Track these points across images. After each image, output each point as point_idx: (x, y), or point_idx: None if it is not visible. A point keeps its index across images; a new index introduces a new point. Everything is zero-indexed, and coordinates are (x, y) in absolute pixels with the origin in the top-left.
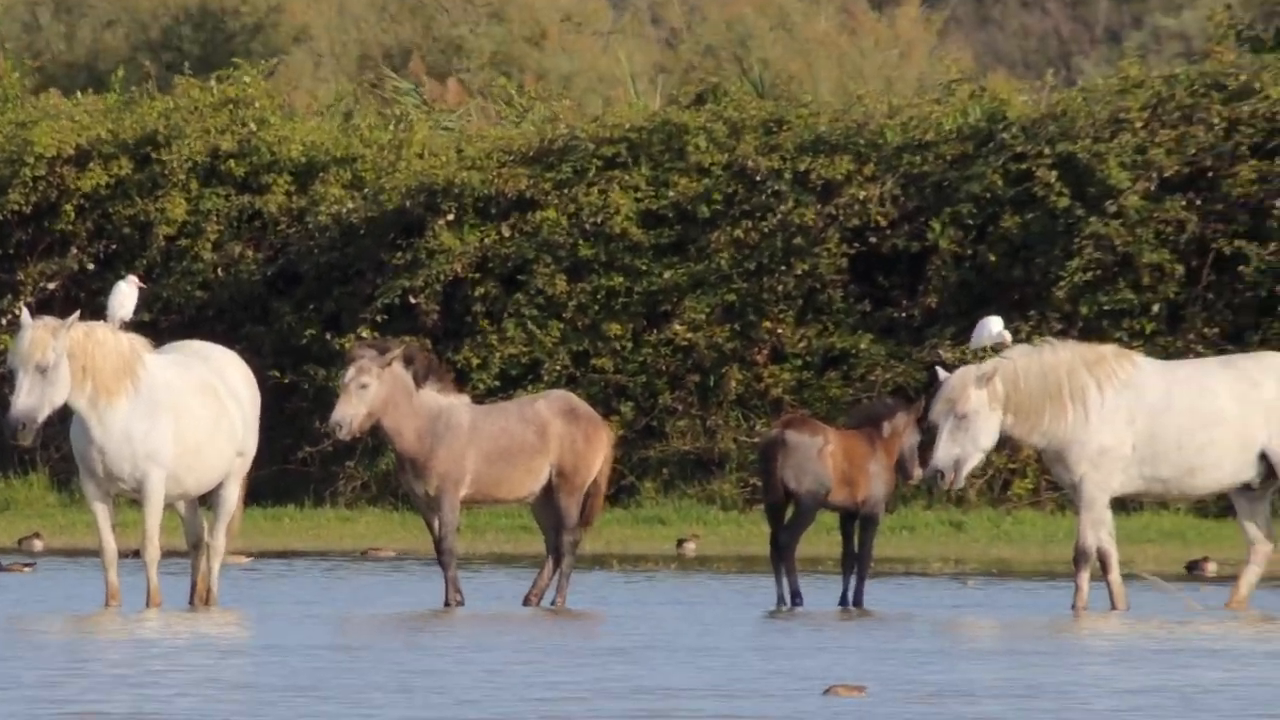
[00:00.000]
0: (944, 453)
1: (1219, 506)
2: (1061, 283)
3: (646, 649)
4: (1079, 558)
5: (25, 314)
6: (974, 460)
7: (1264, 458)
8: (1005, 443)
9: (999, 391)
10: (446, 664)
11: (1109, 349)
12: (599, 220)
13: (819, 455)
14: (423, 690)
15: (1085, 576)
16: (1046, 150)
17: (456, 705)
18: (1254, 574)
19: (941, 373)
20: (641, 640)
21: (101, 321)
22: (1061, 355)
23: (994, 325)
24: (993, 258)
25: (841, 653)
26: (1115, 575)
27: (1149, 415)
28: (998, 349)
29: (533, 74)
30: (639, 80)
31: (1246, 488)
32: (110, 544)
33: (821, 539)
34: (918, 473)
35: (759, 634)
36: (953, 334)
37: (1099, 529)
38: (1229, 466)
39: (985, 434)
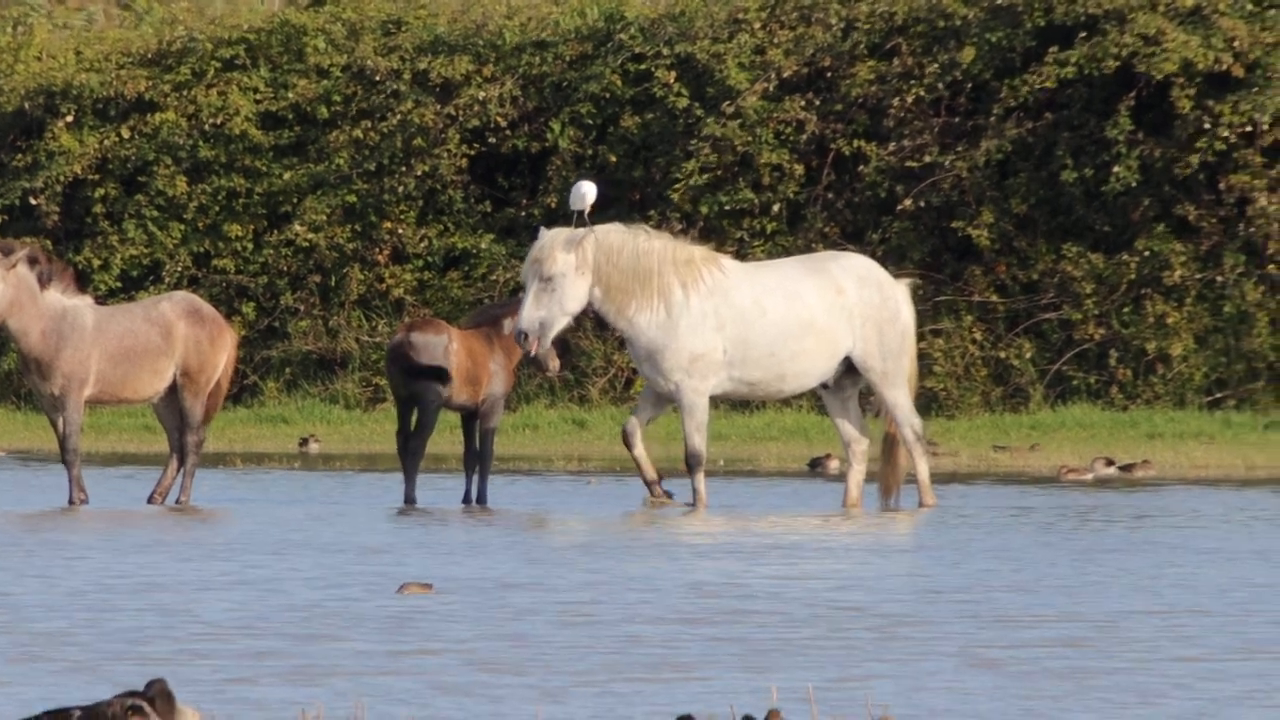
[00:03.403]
0: (529, 314)
1: None
2: (678, 183)
3: (253, 545)
4: (690, 461)
5: None
6: (559, 324)
7: (845, 359)
8: (598, 321)
9: (589, 258)
10: (62, 561)
11: (698, 251)
12: (219, 122)
13: (444, 354)
14: (36, 585)
15: (700, 478)
16: (665, 51)
17: (64, 598)
18: (859, 472)
19: (542, 232)
20: (252, 536)
21: None
22: (655, 245)
23: (584, 187)
24: (613, 158)
25: (439, 550)
26: (641, 451)
27: (739, 321)
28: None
29: None
30: None
31: (823, 386)
32: None
33: (445, 438)
34: (554, 365)
35: (365, 531)
36: None
37: (703, 431)
38: (816, 372)
39: (571, 298)
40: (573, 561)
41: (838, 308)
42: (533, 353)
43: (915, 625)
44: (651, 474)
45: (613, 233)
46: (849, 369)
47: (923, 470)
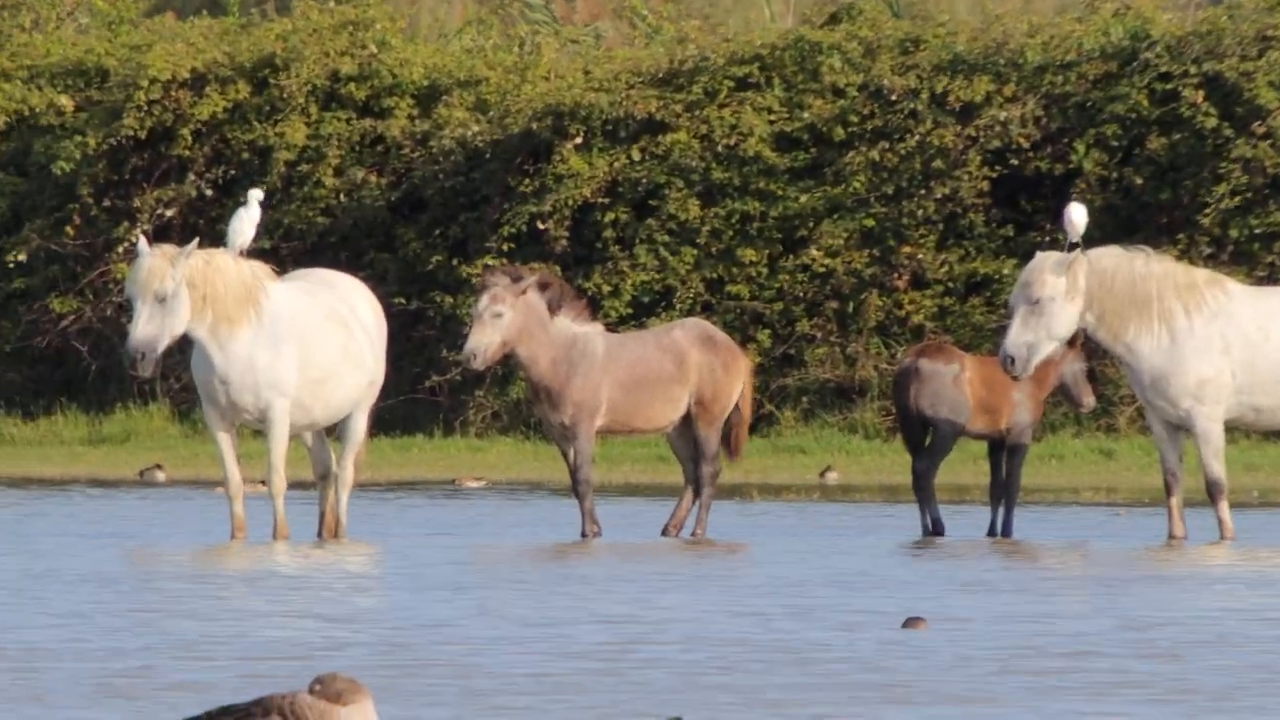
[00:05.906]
0: (1015, 338)
1: None
2: (1208, 207)
3: (763, 578)
4: (1212, 490)
5: (142, 242)
6: (1046, 349)
7: None
8: (1093, 346)
9: (1079, 283)
10: (582, 595)
11: (1202, 274)
12: (731, 143)
13: (954, 383)
14: (553, 620)
15: (1224, 507)
16: (1193, 69)
17: (593, 631)
18: None
19: (1037, 254)
20: (763, 569)
21: (222, 249)
22: (1154, 269)
23: (1073, 212)
24: (1139, 180)
25: (948, 583)
26: (1178, 500)
27: (1245, 345)
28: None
29: None
30: (774, 1)
31: None
32: (235, 475)
33: (968, 468)
34: (1088, 400)
35: (882, 564)
36: None
37: (1220, 458)
38: None
39: (1060, 323)
40: (1066, 594)
41: None
42: (1018, 376)
43: None
44: (1179, 531)
45: (1106, 256)
46: None
47: None
